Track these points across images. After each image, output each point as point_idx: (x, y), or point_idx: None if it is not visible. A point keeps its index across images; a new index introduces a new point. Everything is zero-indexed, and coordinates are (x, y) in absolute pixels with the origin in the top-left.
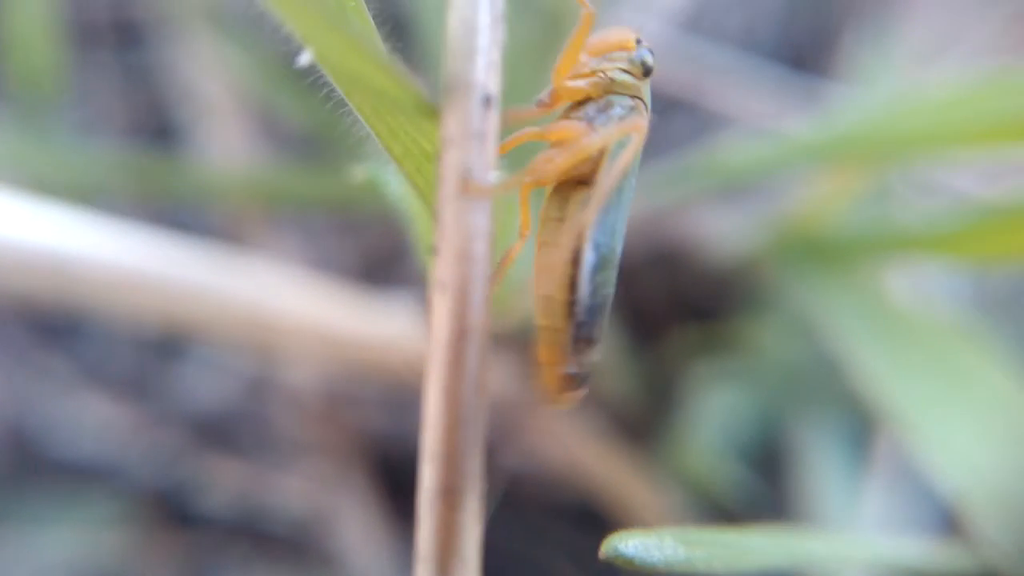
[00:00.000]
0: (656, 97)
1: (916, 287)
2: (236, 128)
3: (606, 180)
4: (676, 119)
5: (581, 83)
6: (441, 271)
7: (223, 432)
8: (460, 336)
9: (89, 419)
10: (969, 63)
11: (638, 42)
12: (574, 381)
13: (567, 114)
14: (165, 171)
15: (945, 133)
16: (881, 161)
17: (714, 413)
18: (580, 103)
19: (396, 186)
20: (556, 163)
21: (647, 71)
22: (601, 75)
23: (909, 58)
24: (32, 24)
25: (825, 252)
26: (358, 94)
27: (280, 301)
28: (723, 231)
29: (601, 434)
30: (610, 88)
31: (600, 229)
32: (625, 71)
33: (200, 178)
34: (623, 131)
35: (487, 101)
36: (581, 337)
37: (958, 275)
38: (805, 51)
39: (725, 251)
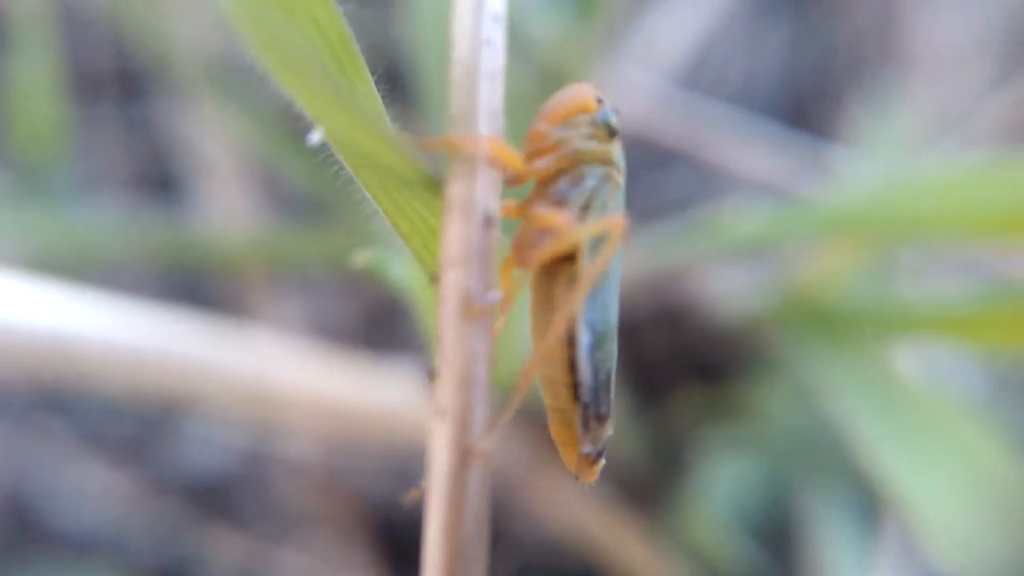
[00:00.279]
0: (656, 149)
1: (925, 364)
2: (237, 187)
3: (589, 273)
4: (675, 172)
5: (545, 162)
6: (442, 396)
7: (223, 502)
8: (461, 464)
9: (89, 488)
10: (970, 131)
11: (599, 101)
12: (591, 457)
13: (540, 191)
14: (166, 235)
15: (946, 220)
16: (883, 240)
17: (721, 481)
18: (551, 178)
19: (398, 270)
20: (540, 252)
21: (612, 132)
22: (566, 146)
23: (909, 124)
24: (36, 93)
25: (831, 322)
26: (366, 171)
27: (281, 373)
28: (728, 290)
29: (606, 499)
30: (578, 159)
31: (591, 307)
32: (591, 136)
33: (201, 241)
34: (603, 226)
35: (488, 221)
36: (590, 415)
37: (968, 355)
38: (805, 102)
39: (730, 311)
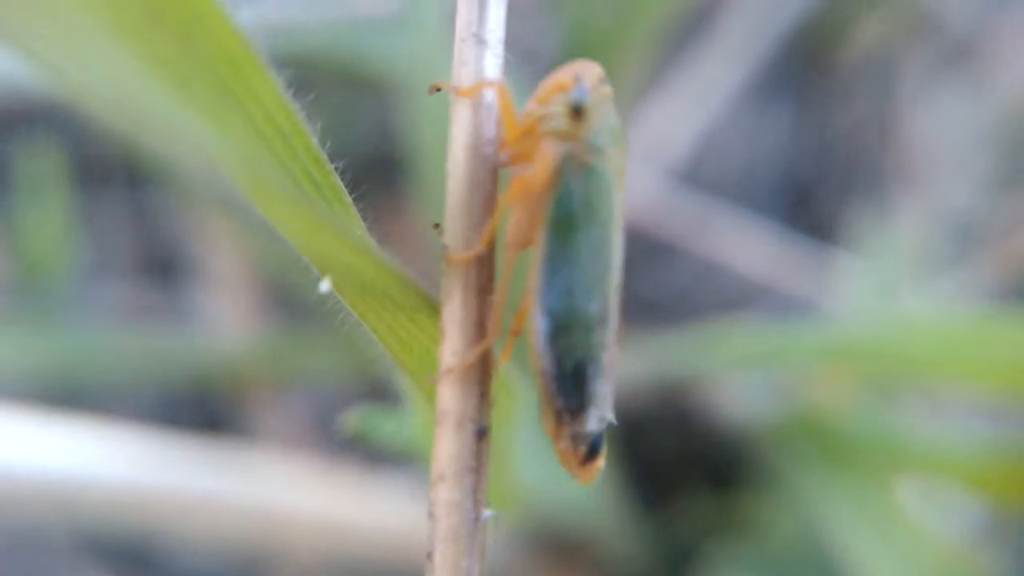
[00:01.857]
0: (657, 242)
1: (927, 496)
2: (241, 292)
3: (508, 261)
4: (676, 265)
5: (526, 141)
6: None
7: None
8: None
9: None
10: (968, 239)
11: (578, 79)
12: (577, 454)
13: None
14: (168, 348)
15: (939, 368)
16: (878, 377)
17: None
18: (527, 156)
19: (388, 428)
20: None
21: (576, 111)
22: (541, 125)
23: (907, 230)
24: (45, 233)
25: (833, 446)
26: (374, 316)
27: (280, 500)
28: (736, 396)
29: None
30: (548, 138)
31: (549, 293)
32: (562, 115)
33: (203, 351)
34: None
35: (480, 433)
36: (563, 407)
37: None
38: (807, 194)
39: (737, 419)
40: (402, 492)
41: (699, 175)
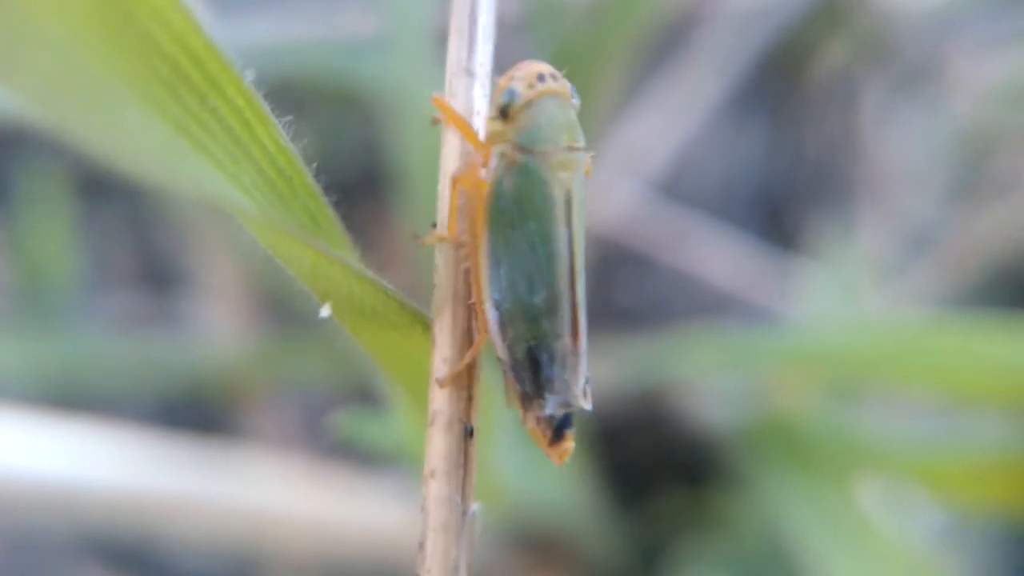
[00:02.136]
0: (633, 254)
1: (887, 495)
2: (236, 299)
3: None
4: (652, 275)
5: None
6: None
7: None
8: None
9: None
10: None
11: (512, 79)
12: (544, 435)
13: None
14: (166, 354)
15: (894, 372)
16: (839, 379)
17: None
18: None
19: (375, 431)
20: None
21: (501, 112)
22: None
23: (868, 241)
24: (49, 246)
25: (796, 446)
26: (369, 335)
27: (271, 500)
28: (709, 397)
29: None
30: (489, 139)
31: (494, 285)
32: (494, 117)
33: (199, 357)
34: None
35: (469, 433)
36: (522, 393)
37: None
38: (779, 206)
39: (709, 421)
40: (391, 492)
41: (676, 188)
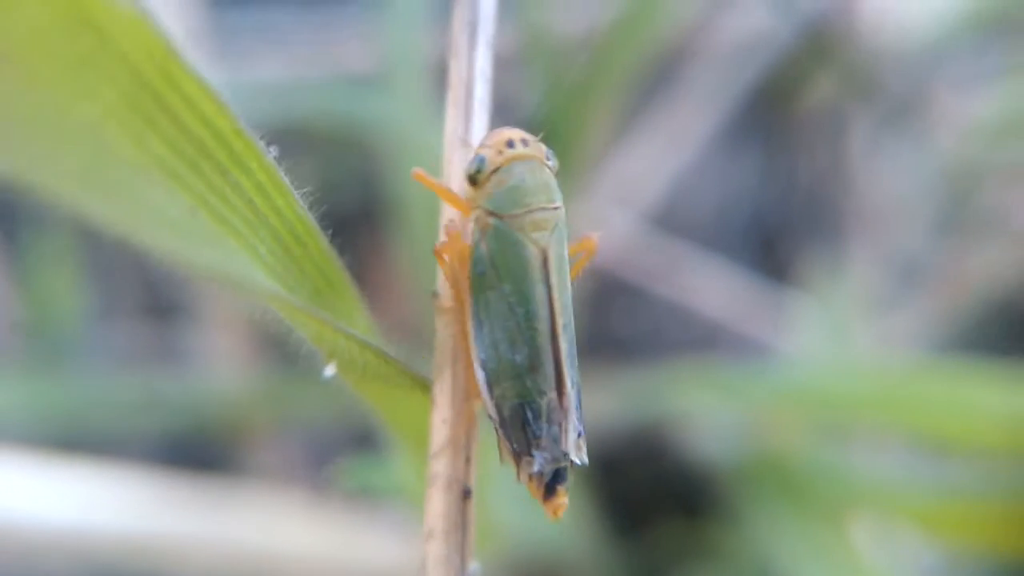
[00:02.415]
0: (628, 285)
1: (878, 533)
2: (237, 336)
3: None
4: (646, 306)
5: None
6: None
7: None
8: None
9: None
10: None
11: (481, 147)
12: (538, 490)
13: None
14: (171, 393)
15: (880, 412)
16: (830, 418)
17: None
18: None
19: (375, 478)
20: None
21: (469, 180)
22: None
23: (857, 276)
24: (56, 286)
25: (789, 482)
26: (372, 393)
27: (275, 539)
28: (702, 432)
29: None
30: (468, 204)
31: (479, 346)
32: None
33: (204, 395)
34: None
35: (466, 494)
36: (512, 450)
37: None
38: (772, 237)
39: (704, 454)
40: (393, 529)
41: (670, 219)
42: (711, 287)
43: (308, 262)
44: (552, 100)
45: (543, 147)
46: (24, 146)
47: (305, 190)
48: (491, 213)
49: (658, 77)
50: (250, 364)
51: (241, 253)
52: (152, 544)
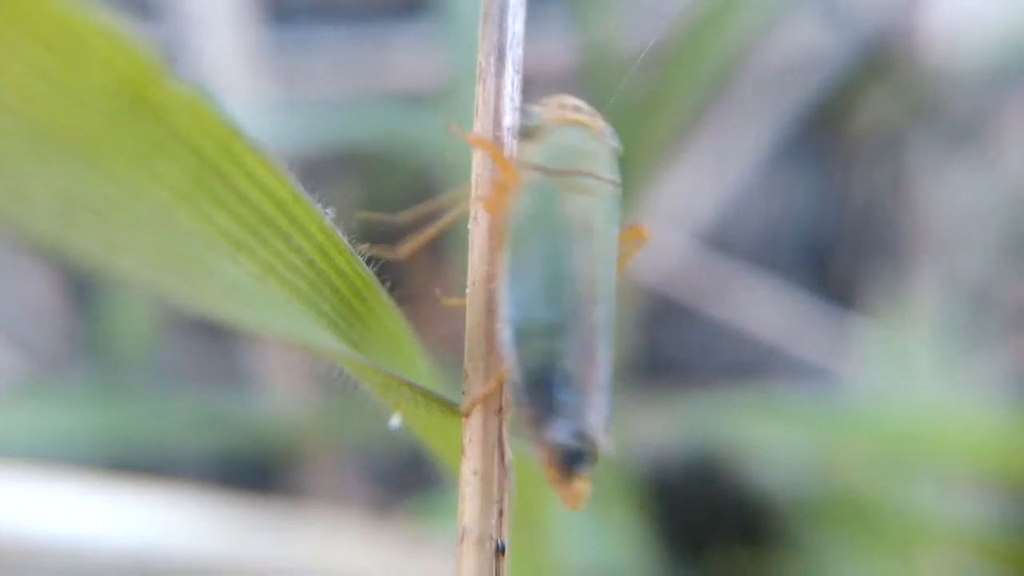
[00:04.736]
0: (680, 305)
1: (950, 573)
2: (297, 358)
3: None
4: (699, 327)
5: None
6: None
7: None
8: None
9: None
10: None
11: (536, 104)
12: (552, 465)
13: None
14: (233, 419)
15: (952, 456)
16: (898, 456)
17: None
18: None
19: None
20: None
21: (523, 133)
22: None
23: (921, 303)
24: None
25: (858, 515)
26: (434, 440)
27: (329, 566)
28: (761, 459)
29: None
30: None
31: (509, 303)
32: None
33: (264, 420)
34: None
35: (500, 550)
36: (531, 415)
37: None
38: (827, 257)
39: (764, 480)
40: (451, 549)
41: (722, 239)
42: (764, 308)
43: (370, 317)
44: (611, 120)
45: (602, 122)
46: (98, 233)
47: (363, 247)
48: (539, 168)
49: (710, 94)
50: (308, 385)
51: (307, 314)
52: (210, 565)
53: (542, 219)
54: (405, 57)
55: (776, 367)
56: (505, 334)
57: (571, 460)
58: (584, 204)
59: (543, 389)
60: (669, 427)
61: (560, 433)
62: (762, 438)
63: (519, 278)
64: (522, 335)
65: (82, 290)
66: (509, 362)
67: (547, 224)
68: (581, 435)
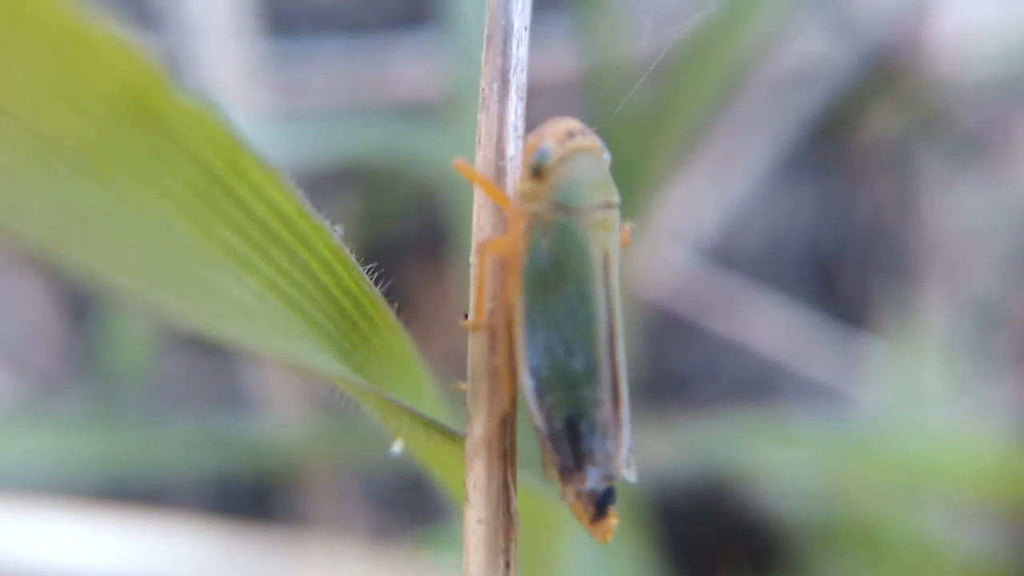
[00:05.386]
0: (684, 320)
1: None
2: (297, 379)
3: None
4: (703, 343)
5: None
6: None
7: None
8: None
9: None
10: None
11: (544, 139)
12: (586, 511)
13: None
14: (233, 443)
15: (962, 487)
16: (908, 483)
17: None
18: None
19: (443, 544)
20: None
21: (535, 172)
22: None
23: (929, 323)
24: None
25: (869, 541)
26: (438, 468)
27: None
28: (768, 482)
29: None
30: (523, 198)
31: (531, 351)
32: (527, 177)
33: (264, 443)
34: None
35: (508, 566)
36: (561, 465)
37: None
38: (831, 271)
39: (771, 504)
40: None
41: (725, 253)
42: (769, 324)
43: (377, 338)
44: (615, 131)
45: (598, 139)
46: (95, 244)
47: (371, 266)
48: (557, 207)
49: (714, 107)
50: (309, 407)
51: (310, 334)
52: None
53: (564, 263)
54: (406, 68)
55: (782, 384)
56: (528, 383)
57: (603, 502)
58: (603, 240)
59: (571, 439)
60: (675, 448)
61: (591, 481)
62: (770, 461)
63: (540, 327)
64: (547, 385)
65: (79, 308)
66: (534, 412)
67: (570, 268)
68: (610, 476)
